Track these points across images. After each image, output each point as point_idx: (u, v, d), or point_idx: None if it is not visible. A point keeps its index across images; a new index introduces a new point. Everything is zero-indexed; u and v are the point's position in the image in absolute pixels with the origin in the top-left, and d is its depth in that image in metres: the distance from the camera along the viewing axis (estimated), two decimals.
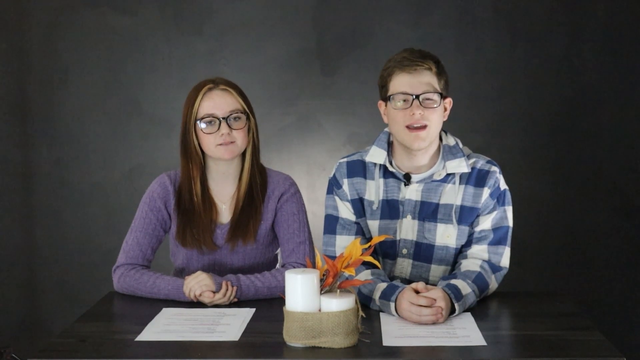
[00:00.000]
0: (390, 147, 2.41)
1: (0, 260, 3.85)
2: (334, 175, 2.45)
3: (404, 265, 2.41)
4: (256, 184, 2.51)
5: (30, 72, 3.78)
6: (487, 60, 3.69)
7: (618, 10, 3.65)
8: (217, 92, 2.44)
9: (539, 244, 3.75)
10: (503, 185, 2.38)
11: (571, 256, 3.75)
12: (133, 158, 3.81)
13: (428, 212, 2.37)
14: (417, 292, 2.13)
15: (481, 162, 2.38)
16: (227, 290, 2.31)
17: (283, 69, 3.75)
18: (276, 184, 2.53)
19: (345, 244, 2.37)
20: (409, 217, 2.38)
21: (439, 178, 2.36)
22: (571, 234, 3.74)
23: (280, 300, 2.00)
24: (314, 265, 2.00)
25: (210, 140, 2.42)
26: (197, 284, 2.30)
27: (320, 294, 1.93)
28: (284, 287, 1.95)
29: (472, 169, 2.37)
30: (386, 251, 2.42)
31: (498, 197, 2.36)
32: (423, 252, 2.39)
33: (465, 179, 2.37)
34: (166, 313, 2.23)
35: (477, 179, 2.36)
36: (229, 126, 2.42)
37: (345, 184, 2.42)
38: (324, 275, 1.95)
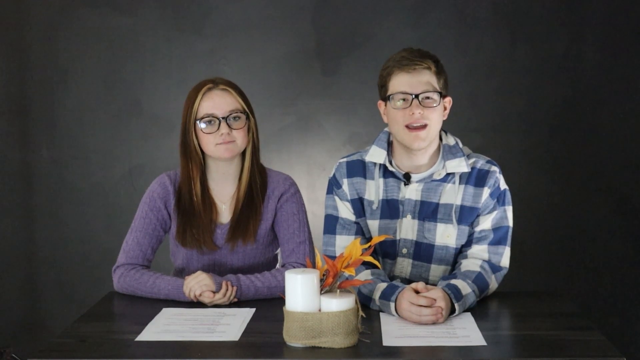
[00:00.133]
0: (390, 146, 2.41)
1: (0, 260, 3.85)
2: (334, 175, 2.45)
3: (404, 265, 2.41)
4: (256, 184, 2.50)
5: (30, 72, 3.78)
6: (487, 60, 3.69)
7: (618, 10, 3.64)
8: (216, 92, 2.44)
9: (539, 244, 3.74)
10: (503, 185, 2.38)
11: (571, 256, 3.75)
12: (133, 158, 3.81)
13: (428, 211, 2.37)
14: (417, 292, 2.13)
15: (481, 162, 2.38)
16: (227, 290, 2.31)
17: (283, 69, 3.74)
18: (276, 184, 2.53)
19: (345, 244, 2.36)
20: (409, 216, 2.38)
21: (438, 178, 2.36)
22: (571, 234, 3.74)
23: (280, 300, 2.00)
24: (314, 265, 2.00)
25: (210, 140, 2.42)
26: (197, 284, 2.30)
27: (320, 294, 1.93)
28: (284, 287, 1.95)
29: (472, 168, 2.37)
30: (386, 251, 2.41)
31: (498, 197, 2.36)
32: (423, 251, 2.39)
33: (465, 178, 2.36)
34: (166, 313, 2.23)
35: (477, 178, 2.36)
36: (229, 126, 2.42)
37: (345, 183, 2.42)
38: (324, 275, 1.95)
